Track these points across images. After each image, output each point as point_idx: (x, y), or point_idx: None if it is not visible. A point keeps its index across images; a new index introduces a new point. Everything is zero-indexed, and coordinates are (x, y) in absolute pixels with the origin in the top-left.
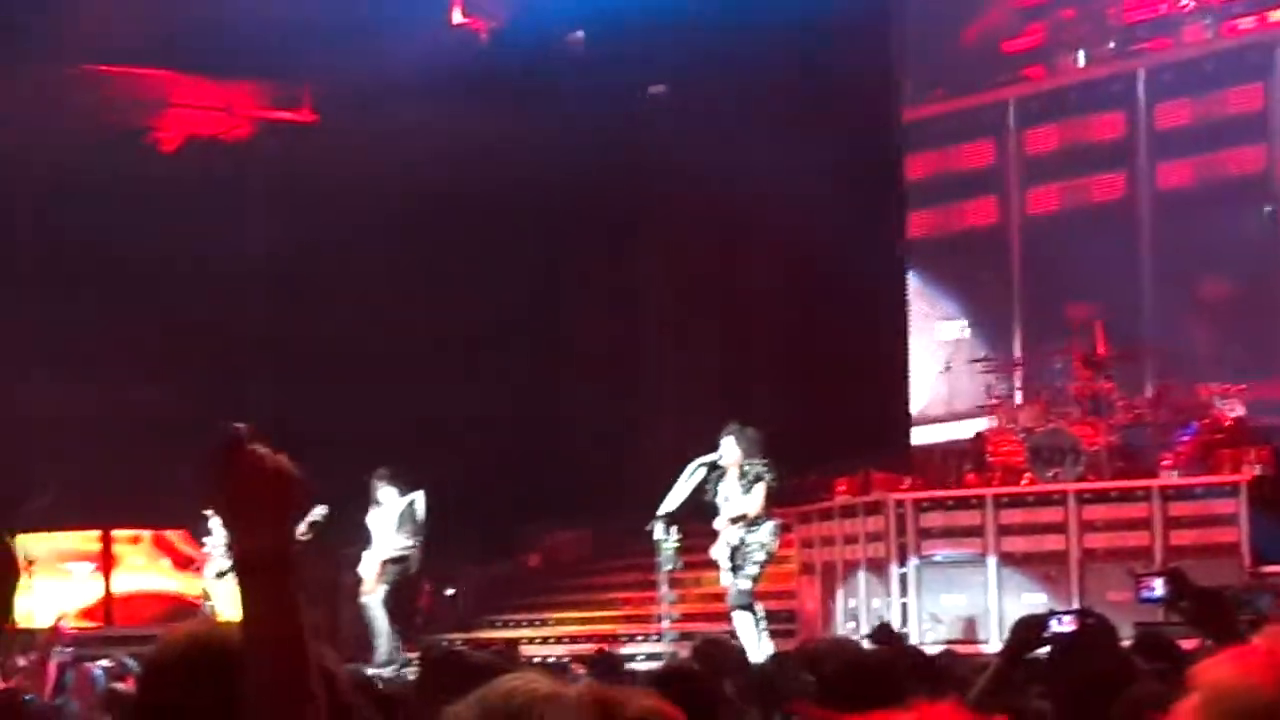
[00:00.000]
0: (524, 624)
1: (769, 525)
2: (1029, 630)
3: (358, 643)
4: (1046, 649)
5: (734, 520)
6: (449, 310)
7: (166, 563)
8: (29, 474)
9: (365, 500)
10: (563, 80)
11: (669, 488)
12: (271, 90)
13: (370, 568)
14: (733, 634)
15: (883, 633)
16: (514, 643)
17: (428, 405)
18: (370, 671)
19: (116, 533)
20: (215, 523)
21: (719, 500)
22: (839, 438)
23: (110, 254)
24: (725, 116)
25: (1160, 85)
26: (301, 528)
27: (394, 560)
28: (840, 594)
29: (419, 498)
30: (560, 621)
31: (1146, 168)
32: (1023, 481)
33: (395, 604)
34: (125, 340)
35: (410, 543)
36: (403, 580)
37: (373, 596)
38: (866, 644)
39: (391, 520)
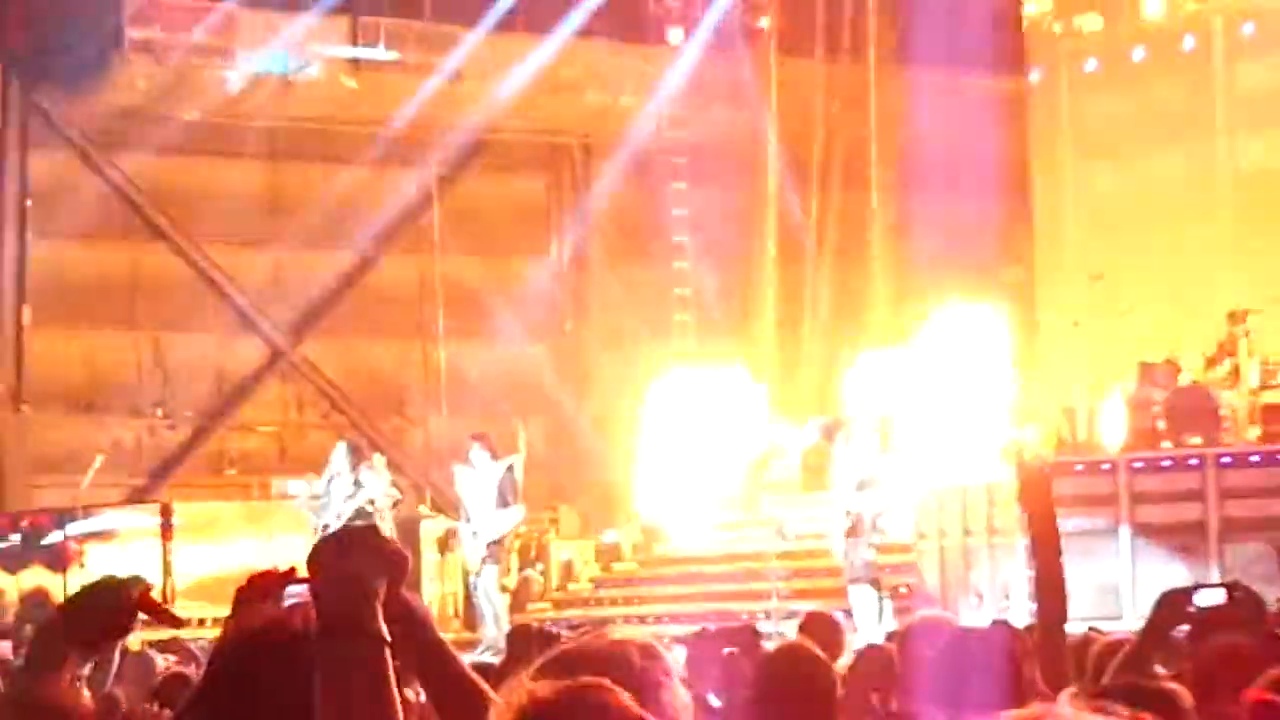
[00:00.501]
0: (618, 602)
1: (889, 489)
2: (1173, 605)
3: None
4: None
5: (860, 485)
6: None
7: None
8: None
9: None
10: None
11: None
12: None
13: (474, 548)
14: (847, 612)
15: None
16: (603, 623)
17: None
18: (473, 659)
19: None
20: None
21: (839, 464)
22: None
23: None
24: None
25: None
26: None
27: (498, 541)
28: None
29: (517, 463)
30: (657, 599)
31: None
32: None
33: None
34: None
35: (513, 517)
36: (503, 555)
37: (482, 579)
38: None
39: (489, 489)
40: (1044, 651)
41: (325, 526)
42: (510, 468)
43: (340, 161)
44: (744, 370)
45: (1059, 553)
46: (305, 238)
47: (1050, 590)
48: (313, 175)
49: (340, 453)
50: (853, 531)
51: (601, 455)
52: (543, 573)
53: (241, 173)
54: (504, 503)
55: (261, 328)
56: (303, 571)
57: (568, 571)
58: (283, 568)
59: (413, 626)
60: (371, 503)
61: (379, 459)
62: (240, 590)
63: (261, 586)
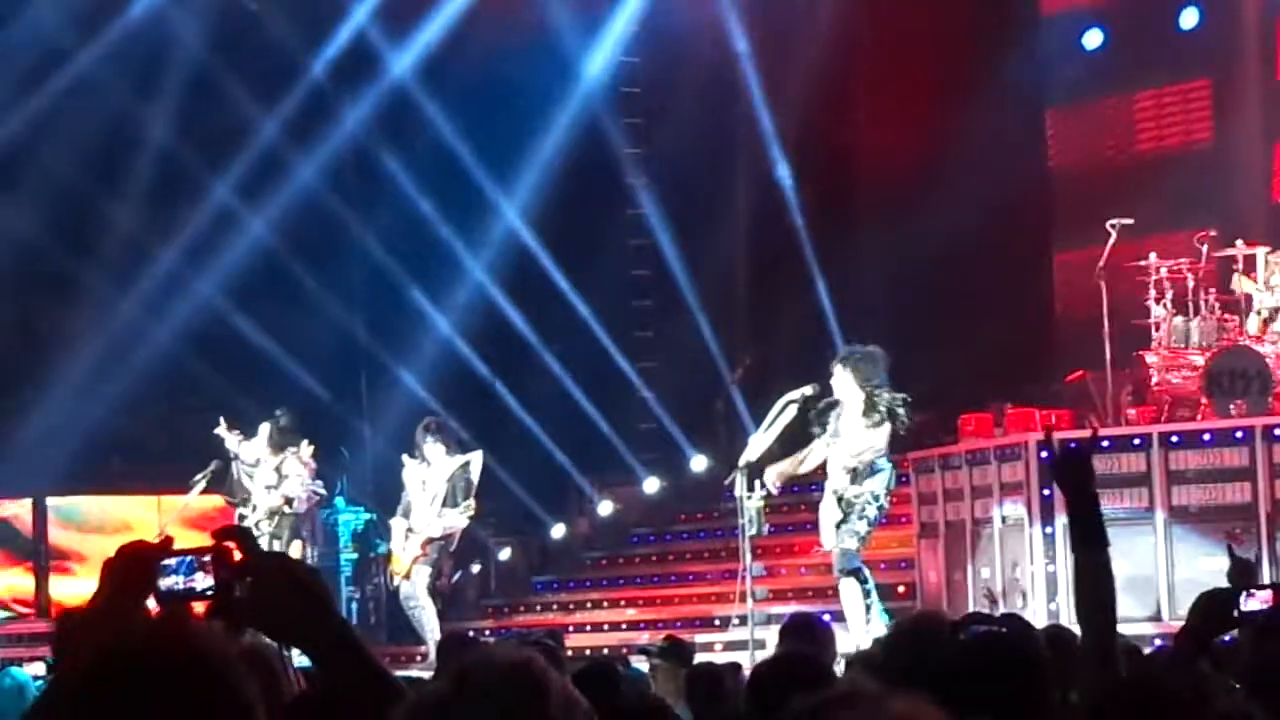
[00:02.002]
0: (571, 605)
1: (885, 473)
2: (1216, 607)
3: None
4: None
5: (850, 466)
6: None
7: None
8: None
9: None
10: None
11: (750, 431)
12: None
13: (408, 544)
14: (837, 614)
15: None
16: (556, 631)
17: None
18: (416, 675)
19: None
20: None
21: (825, 441)
22: (966, 366)
23: None
24: None
25: None
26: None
27: (440, 538)
28: (969, 562)
29: (475, 460)
30: (615, 602)
31: None
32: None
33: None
34: None
35: (461, 515)
36: (442, 559)
37: (413, 582)
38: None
39: (438, 485)
40: (1090, 664)
41: (242, 518)
42: (467, 465)
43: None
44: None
45: (1105, 540)
46: None
47: (1097, 586)
48: None
49: (264, 434)
50: (844, 520)
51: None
52: (481, 573)
53: None
54: (454, 502)
55: None
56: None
57: (511, 574)
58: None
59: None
60: (289, 502)
61: (306, 448)
62: (108, 567)
63: (132, 560)
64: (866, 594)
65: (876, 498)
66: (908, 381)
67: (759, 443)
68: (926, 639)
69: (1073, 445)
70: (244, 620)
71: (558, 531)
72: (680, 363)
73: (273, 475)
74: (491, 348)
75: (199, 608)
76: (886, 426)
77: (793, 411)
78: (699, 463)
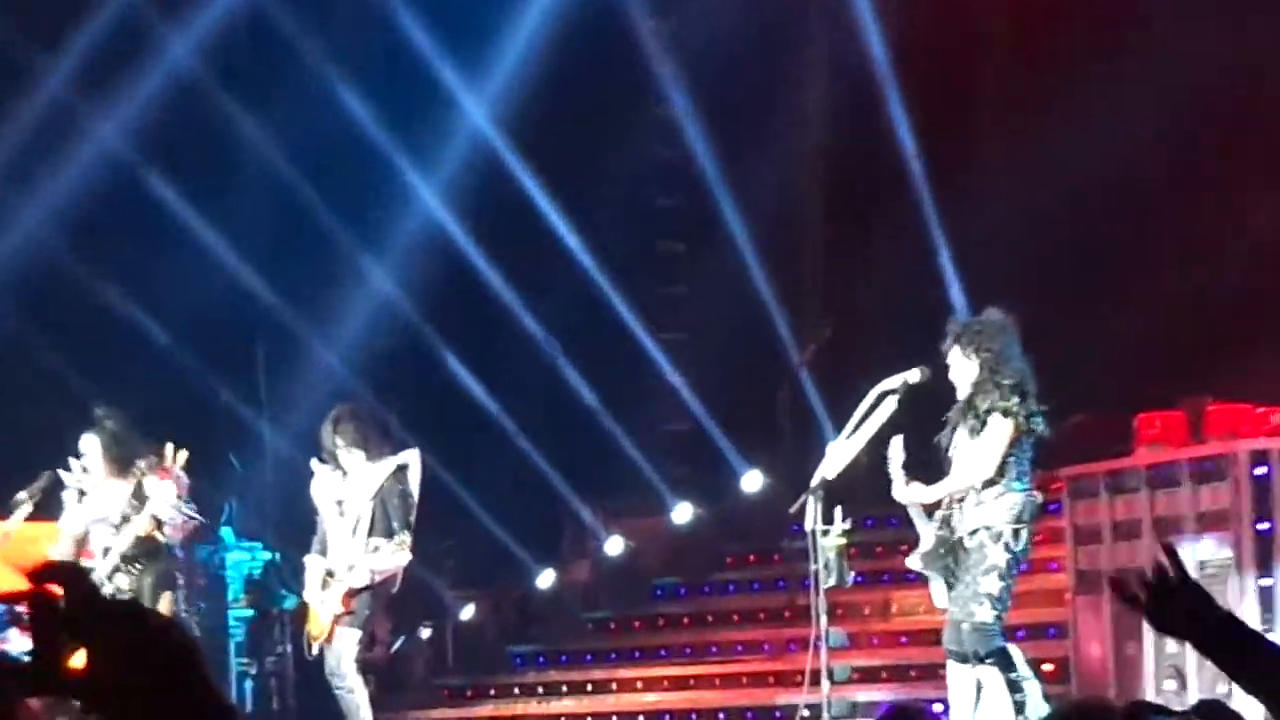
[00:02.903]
0: (565, 689)
1: (1016, 500)
2: None
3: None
4: None
5: (958, 495)
6: None
7: None
8: None
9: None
10: None
11: (828, 437)
12: None
13: (327, 595)
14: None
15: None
16: None
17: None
18: None
19: None
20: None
21: (947, 455)
22: (1145, 343)
23: None
24: None
25: None
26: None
27: (370, 586)
28: (1149, 629)
29: (412, 463)
30: (629, 684)
31: None
32: None
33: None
34: None
35: (396, 550)
36: (375, 616)
37: (336, 652)
38: None
39: (360, 505)
40: None
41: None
42: (401, 472)
43: None
44: None
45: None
46: None
47: None
48: None
49: (92, 449)
50: (962, 575)
51: None
52: (434, 640)
53: None
54: (386, 529)
55: None
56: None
57: (478, 641)
58: None
59: None
60: (159, 527)
61: (174, 455)
62: None
63: None
64: (1016, 688)
65: (1000, 537)
66: (1058, 367)
67: (841, 454)
68: None
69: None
70: (76, 696)
71: (545, 581)
72: (724, 335)
73: (122, 505)
74: (447, 310)
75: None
76: (1001, 429)
77: (890, 408)
78: (752, 481)
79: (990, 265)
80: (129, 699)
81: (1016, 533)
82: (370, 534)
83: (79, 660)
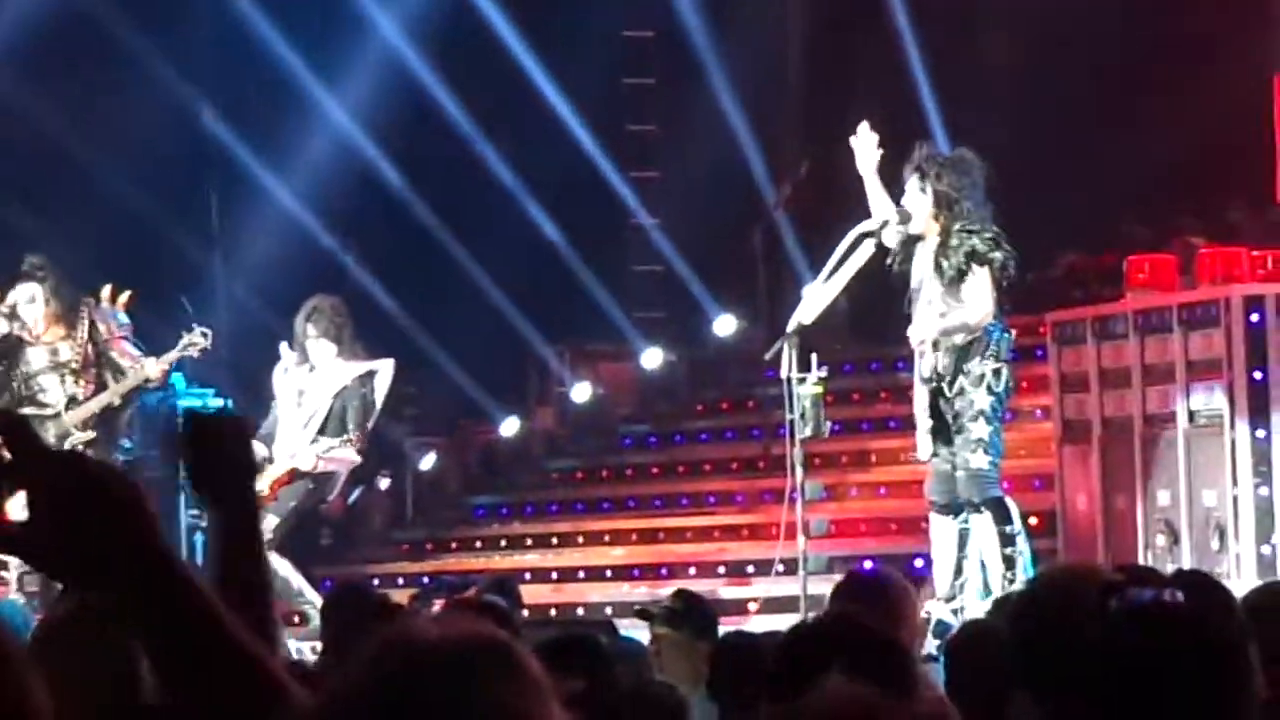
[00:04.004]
0: (529, 542)
1: (996, 341)
2: None
3: None
4: None
5: (937, 338)
6: None
7: None
8: None
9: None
10: None
11: (805, 280)
12: None
13: (262, 476)
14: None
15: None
16: (506, 580)
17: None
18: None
19: None
20: None
21: (913, 300)
22: (1139, 177)
23: None
24: None
25: None
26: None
27: (311, 474)
28: (1138, 481)
29: (384, 372)
30: (596, 537)
31: None
32: None
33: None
34: None
35: (343, 446)
36: (315, 503)
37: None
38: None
39: (319, 400)
40: None
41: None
42: (369, 379)
43: None
44: None
45: None
46: None
47: None
48: None
49: (33, 297)
50: (948, 423)
51: None
52: (392, 490)
53: None
54: (339, 430)
55: None
56: None
57: (438, 492)
58: None
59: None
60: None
61: (112, 295)
62: None
63: None
64: (1008, 541)
65: (982, 380)
66: (1043, 199)
67: (818, 298)
68: (1068, 609)
69: None
70: (14, 551)
71: (509, 429)
72: (698, 172)
73: (73, 352)
74: (409, 149)
75: None
76: (979, 276)
77: (868, 251)
78: (725, 325)
79: (976, 108)
80: (71, 550)
81: (997, 372)
82: (322, 432)
83: (19, 511)
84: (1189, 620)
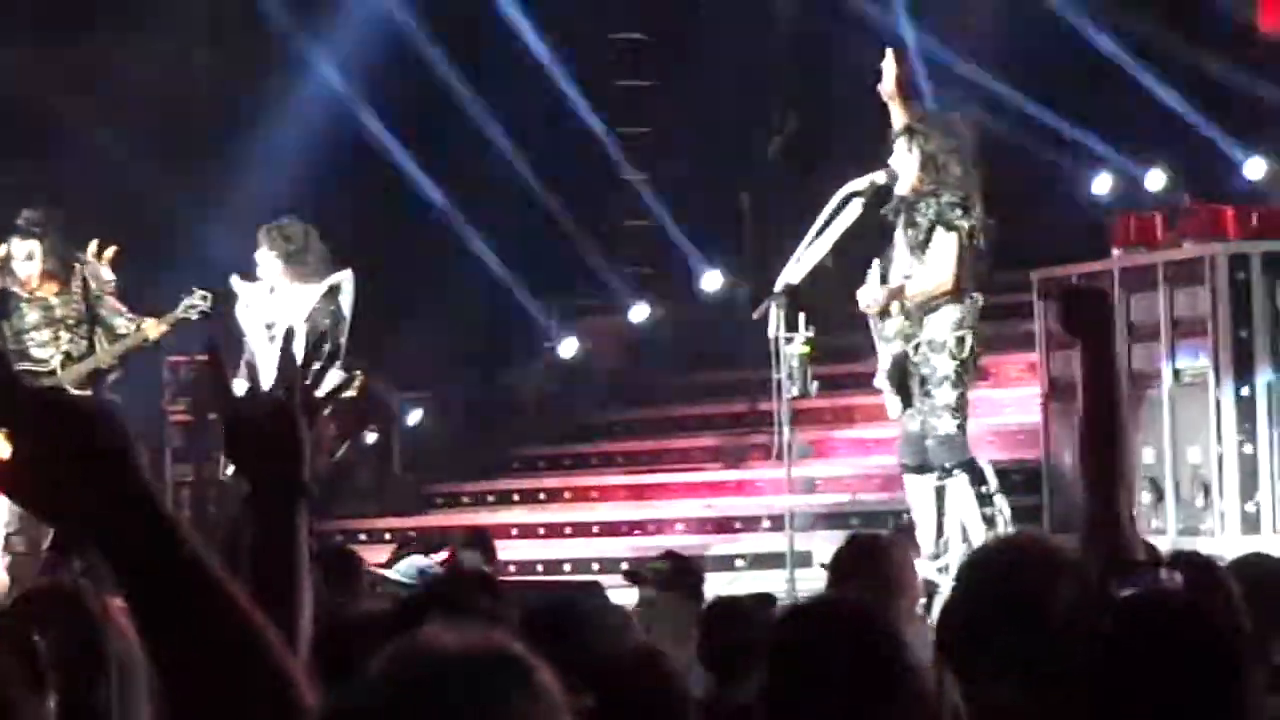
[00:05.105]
0: (516, 498)
1: (955, 310)
2: None
3: None
4: None
5: (905, 300)
6: None
7: None
8: None
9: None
10: None
11: (795, 237)
12: None
13: None
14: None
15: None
16: (482, 532)
17: None
18: None
19: None
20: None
21: (889, 263)
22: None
23: None
24: None
25: None
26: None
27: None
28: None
29: (345, 281)
30: (583, 493)
31: None
32: None
33: None
34: None
35: (336, 372)
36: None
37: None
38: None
39: (292, 324)
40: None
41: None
42: (333, 292)
43: None
44: None
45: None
46: None
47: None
48: None
49: (30, 253)
50: (915, 386)
51: None
52: (379, 445)
53: None
54: (315, 353)
55: None
56: None
57: (425, 440)
58: None
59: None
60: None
61: (97, 251)
62: None
63: None
64: (986, 501)
65: (945, 346)
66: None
67: (807, 256)
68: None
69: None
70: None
71: (497, 384)
72: (688, 122)
73: (62, 309)
74: (394, 100)
75: None
76: (946, 240)
77: (856, 210)
78: (712, 281)
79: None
80: (56, 491)
81: (961, 340)
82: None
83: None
84: (1189, 611)
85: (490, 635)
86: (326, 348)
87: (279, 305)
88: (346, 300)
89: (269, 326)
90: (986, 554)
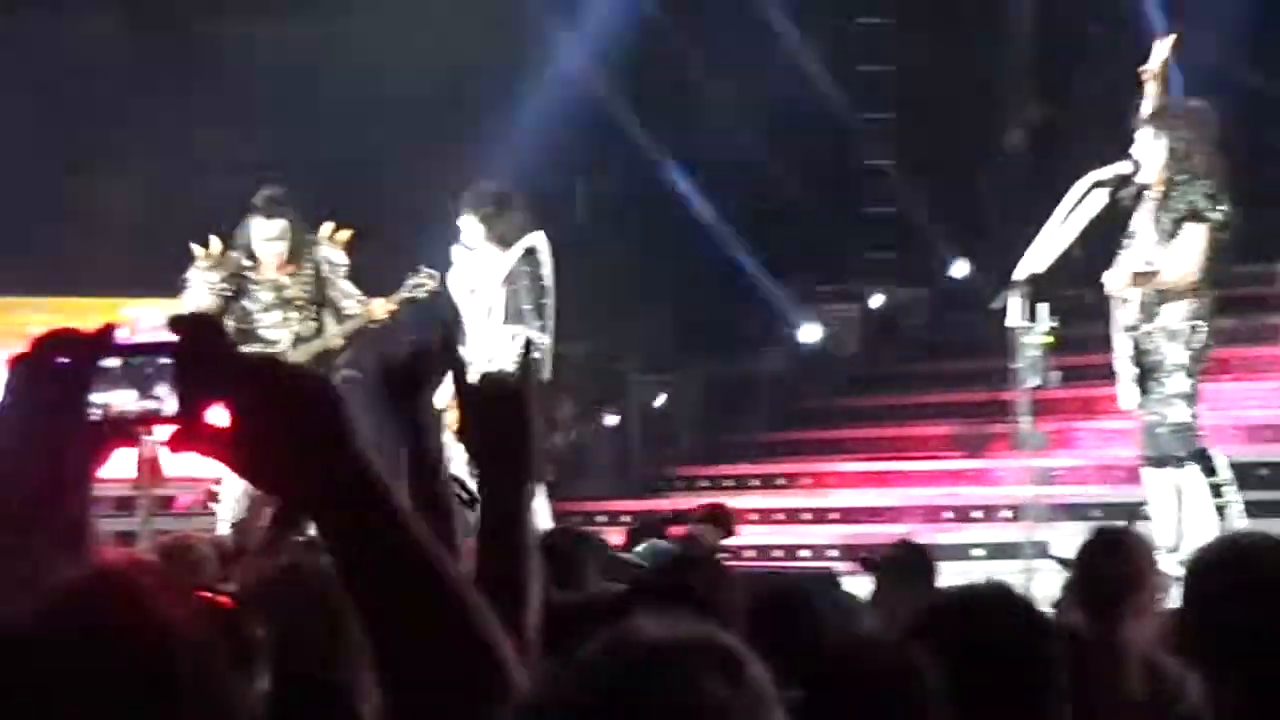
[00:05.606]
0: (756, 482)
1: (1196, 299)
2: None
3: None
4: None
5: (1148, 287)
6: None
7: None
8: None
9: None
10: None
11: (1037, 225)
12: None
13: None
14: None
15: None
16: (719, 507)
17: None
18: None
19: None
20: None
21: (1128, 250)
22: None
23: None
24: None
25: None
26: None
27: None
28: None
29: (539, 243)
30: (822, 479)
31: None
32: None
33: None
34: None
35: (535, 333)
36: None
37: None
38: None
39: (492, 292)
40: None
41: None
42: (531, 255)
43: None
44: None
45: None
46: None
47: None
48: None
49: (269, 232)
50: (1147, 377)
51: None
52: (619, 427)
53: None
54: (518, 315)
55: None
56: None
57: (665, 423)
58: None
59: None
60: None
61: (331, 232)
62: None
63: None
64: (1217, 492)
65: (1177, 336)
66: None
67: (1049, 246)
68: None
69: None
70: (211, 453)
71: (738, 369)
72: (935, 108)
73: (294, 290)
74: (638, 86)
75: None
76: (1193, 232)
77: (1101, 200)
78: (960, 269)
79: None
80: (272, 457)
81: (1194, 328)
82: (506, 321)
83: (222, 418)
84: None
85: (697, 625)
86: (525, 316)
87: (480, 269)
88: (545, 262)
89: (472, 291)
90: (1220, 549)
